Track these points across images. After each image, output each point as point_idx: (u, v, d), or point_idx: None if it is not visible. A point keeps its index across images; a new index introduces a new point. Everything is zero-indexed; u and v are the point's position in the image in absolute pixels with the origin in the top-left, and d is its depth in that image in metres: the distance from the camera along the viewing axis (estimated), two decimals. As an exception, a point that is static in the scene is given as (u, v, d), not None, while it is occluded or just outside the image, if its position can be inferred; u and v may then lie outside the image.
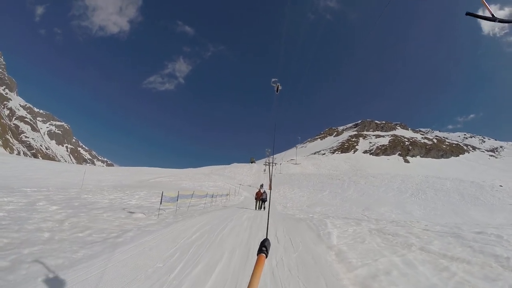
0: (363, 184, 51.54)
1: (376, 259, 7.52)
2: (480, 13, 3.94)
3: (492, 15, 3.91)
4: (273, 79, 7.53)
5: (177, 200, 15.18)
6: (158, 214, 13.32)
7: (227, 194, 32.72)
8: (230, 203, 28.92)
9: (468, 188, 47.40)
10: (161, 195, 13.39)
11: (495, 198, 40.73)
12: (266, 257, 1.77)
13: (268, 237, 2.03)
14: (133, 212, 13.20)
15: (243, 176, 74.31)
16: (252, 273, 1.53)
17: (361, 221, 15.26)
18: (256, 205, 23.43)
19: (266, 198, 23.84)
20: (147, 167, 78.58)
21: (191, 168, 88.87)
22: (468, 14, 4.21)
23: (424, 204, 38.50)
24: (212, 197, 25.42)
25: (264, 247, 1.83)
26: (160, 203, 13.22)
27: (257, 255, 1.76)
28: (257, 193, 23.88)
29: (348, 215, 26.99)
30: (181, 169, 78.18)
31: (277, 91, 7.48)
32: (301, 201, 40.01)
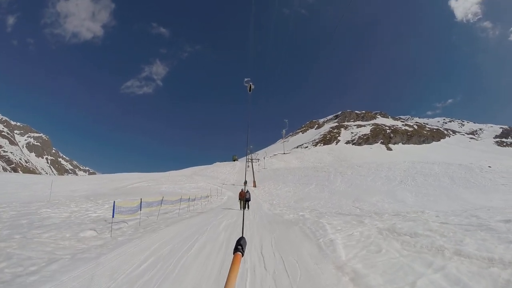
0: (350, 175, 49.72)
1: (412, 282, 5.03)
2: None
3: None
4: (246, 79, 7.84)
5: (140, 210, 12.46)
6: (113, 229, 10.43)
7: (207, 196, 29.87)
8: (210, 205, 26.28)
9: (457, 171, 46.41)
10: (113, 206, 10.48)
11: (486, 180, 39.67)
12: (243, 255, 1.74)
13: (244, 236, 2.00)
14: (85, 230, 10.49)
15: (226, 175, 71.37)
16: (228, 273, 1.50)
17: (361, 217, 12.80)
18: (240, 205, 23.22)
19: (250, 198, 23.73)
20: (127, 173, 74.70)
21: (173, 171, 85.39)
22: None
23: (416, 191, 36.94)
24: (189, 200, 22.85)
25: (239, 246, 1.78)
26: (112, 216, 10.33)
27: (233, 254, 1.73)
28: (240, 193, 23.70)
29: (339, 209, 24.79)
30: (163, 173, 74.31)
31: (249, 91, 7.60)
32: (287, 197, 37.66)
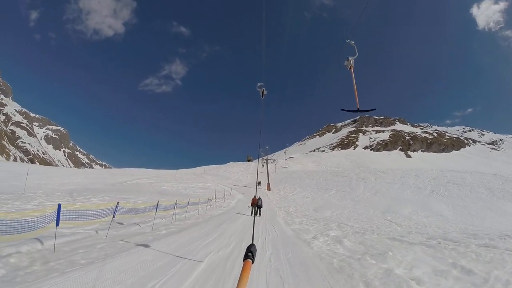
0: (374, 181, 45.41)
1: None
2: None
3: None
4: (258, 84, 7.61)
5: (114, 217, 8.92)
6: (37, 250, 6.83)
7: (210, 200, 25.64)
8: (212, 211, 22.03)
9: (493, 182, 41.76)
10: (58, 211, 6.79)
11: (528, 192, 35.22)
12: (253, 262, 1.72)
13: (254, 242, 1.99)
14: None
15: (238, 176, 67.78)
16: (239, 280, 1.49)
17: (440, 250, 8.70)
18: (252, 211, 22.43)
19: (262, 205, 23.23)
20: (135, 169, 72.16)
21: (185, 169, 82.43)
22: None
23: (452, 203, 32.59)
24: (189, 204, 19.32)
25: (250, 253, 1.77)
26: (57, 225, 6.67)
27: (243, 261, 1.71)
28: (252, 200, 23.24)
29: (372, 224, 20.85)
30: (172, 170, 71.38)
31: (262, 96, 7.44)
32: (305, 204, 33.70)
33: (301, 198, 38.59)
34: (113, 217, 9.01)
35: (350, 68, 6.99)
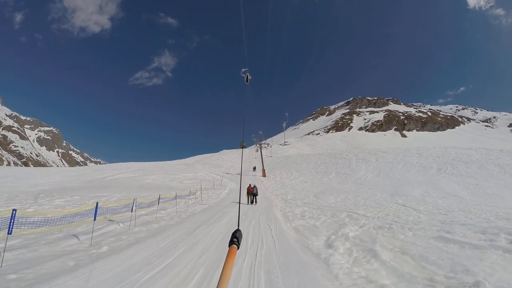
0: (375, 162, 42.61)
1: None
2: None
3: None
4: (243, 69, 7.47)
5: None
6: None
7: (193, 193, 21.65)
8: (196, 207, 18.27)
9: (502, 158, 39.25)
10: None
11: (538, 167, 32.90)
12: (238, 248, 1.71)
13: (239, 228, 1.92)
14: None
15: (232, 163, 64.38)
16: (224, 265, 1.47)
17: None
18: (248, 199, 22.42)
19: (257, 193, 22.77)
20: (122, 163, 68.30)
21: (177, 160, 78.87)
22: None
23: (462, 181, 29.96)
24: (176, 198, 16.14)
25: (235, 238, 1.74)
26: None
27: (229, 246, 1.69)
28: (248, 188, 22.93)
29: (380, 207, 17.99)
30: (160, 162, 67.64)
31: (247, 81, 7.18)
32: (304, 189, 30.69)
33: (299, 183, 35.58)
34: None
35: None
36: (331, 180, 35.25)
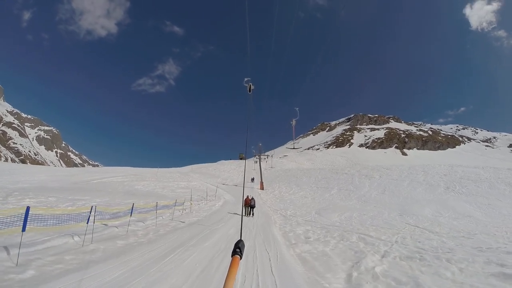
0: (379, 178, 40.62)
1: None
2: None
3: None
4: (245, 79, 7.79)
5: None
6: None
7: (183, 202, 19.72)
8: (182, 219, 15.81)
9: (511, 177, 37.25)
10: None
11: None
12: (241, 258, 1.72)
13: (242, 239, 1.92)
14: None
15: (229, 174, 62.34)
16: (227, 276, 1.49)
17: None
18: (245, 212, 21.56)
19: (255, 205, 22.40)
20: (117, 167, 66.46)
21: (173, 168, 76.75)
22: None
23: (474, 201, 28.05)
24: (157, 208, 14.14)
25: (238, 249, 1.77)
26: None
27: (231, 256, 1.71)
28: (245, 200, 21.95)
29: (391, 228, 16.02)
30: (154, 168, 65.43)
31: (249, 91, 7.26)
32: (305, 205, 28.62)
33: (299, 198, 33.48)
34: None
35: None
36: (333, 196, 33.22)
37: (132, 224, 11.75)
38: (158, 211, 13.92)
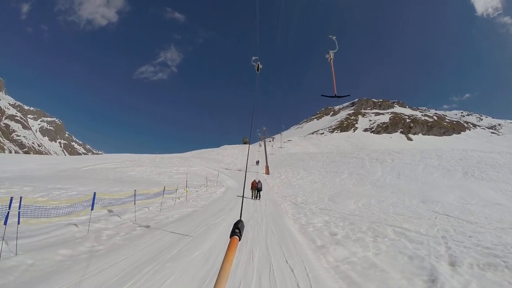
0: (391, 162, 38.44)
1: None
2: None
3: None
4: (253, 57, 7.13)
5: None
6: None
7: (176, 190, 17.19)
8: (172, 212, 13.16)
9: (531, 163, 35.05)
10: None
11: None
12: (240, 239, 1.65)
13: (241, 219, 1.88)
14: None
15: (232, 159, 60.30)
16: (225, 257, 1.44)
17: None
18: (252, 194, 22.19)
19: (262, 188, 22.50)
20: (115, 154, 64.64)
21: (175, 154, 74.76)
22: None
23: (498, 187, 25.98)
24: (148, 197, 12.00)
25: (237, 229, 1.70)
26: None
27: (230, 237, 1.64)
28: (252, 183, 22.60)
29: (417, 216, 13.93)
30: (153, 154, 63.34)
31: (257, 70, 6.95)
32: (316, 190, 26.59)
33: (308, 183, 31.41)
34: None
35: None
36: (344, 181, 31.13)
37: (103, 219, 9.48)
38: (146, 200, 11.61)
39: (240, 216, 2.12)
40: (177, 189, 17.39)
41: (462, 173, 31.76)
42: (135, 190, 11.20)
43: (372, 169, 35.71)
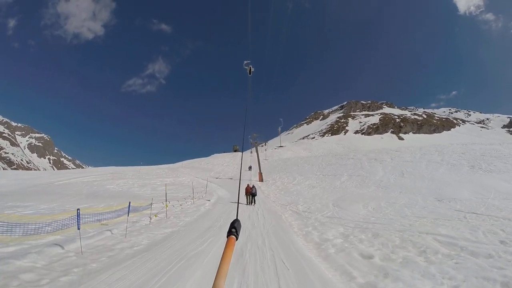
0: (391, 161, 36.38)
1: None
2: None
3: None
4: (245, 61, 7.43)
5: None
6: None
7: (151, 204, 14.05)
8: (142, 236, 9.92)
9: (537, 152, 33.40)
10: None
11: None
12: (237, 239, 1.62)
13: (238, 218, 1.81)
14: None
15: (223, 167, 57.67)
16: (222, 257, 1.39)
17: None
18: (246, 200, 22.01)
19: (256, 192, 22.34)
20: (101, 167, 61.51)
21: (164, 165, 71.76)
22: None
23: (510, 179, 23.85)
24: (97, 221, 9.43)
25: (234, 229, 1.65)
26: None
27: (227, 237, 1.60)
28: (246, 188, 22.36)
29: (445, 217, 11.60)
30: (141, 166, 60.36)
31: (249, 73, 6.98)
32: (316, 196, 24.14)
33: (306, 188, 28.98)
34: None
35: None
36: (345, 184, 28.81)
37: (35, 252, 6.63)
38: (115, 220, 8.90)
39: (237, 215, 1.91)
40: (151, 203, 14.28)
41: (468, 167, 29.80)
42: (78, 209, 7.88)
43: (373, 169, 33.52)
